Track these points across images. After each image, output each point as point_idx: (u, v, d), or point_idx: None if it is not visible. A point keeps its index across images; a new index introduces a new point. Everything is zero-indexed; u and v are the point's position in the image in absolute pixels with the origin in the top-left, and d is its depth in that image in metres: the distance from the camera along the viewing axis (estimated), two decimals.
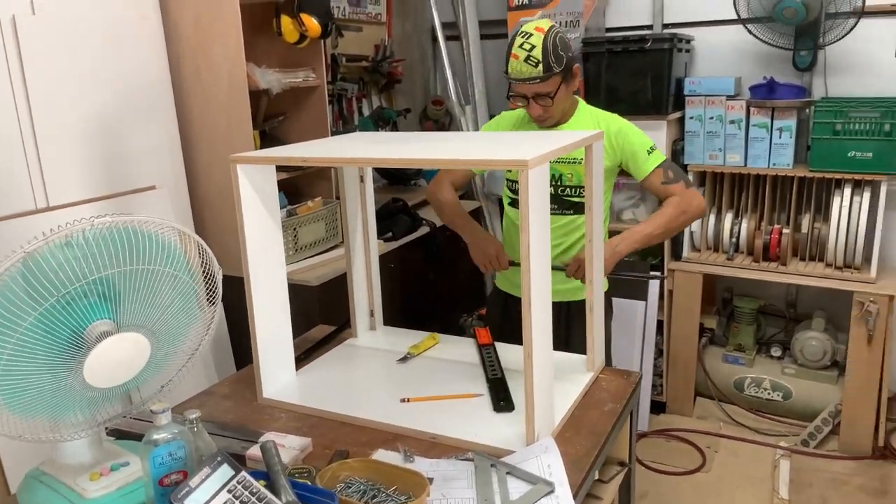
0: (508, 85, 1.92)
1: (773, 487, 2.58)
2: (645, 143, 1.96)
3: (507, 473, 1.27)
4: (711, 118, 2.88)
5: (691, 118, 2.92)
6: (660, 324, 3.08)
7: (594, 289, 1.62)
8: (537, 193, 1.23)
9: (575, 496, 1.23)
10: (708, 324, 3.19)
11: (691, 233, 3.05)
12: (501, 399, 1.51)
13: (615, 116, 2.02)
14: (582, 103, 2.05)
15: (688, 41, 3.02)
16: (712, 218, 3.03)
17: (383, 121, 3.19)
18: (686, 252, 3.06)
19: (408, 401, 1.54)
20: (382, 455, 1.34)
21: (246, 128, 2.23)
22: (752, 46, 2.92)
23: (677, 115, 2.95)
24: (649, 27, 3.18)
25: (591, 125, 1.98)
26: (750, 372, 3.05)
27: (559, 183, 1.99)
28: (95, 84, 2.02)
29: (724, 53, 3.07)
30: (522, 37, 1.84)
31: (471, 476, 1.27)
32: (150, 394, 1.26)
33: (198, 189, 2.36)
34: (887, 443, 2.78)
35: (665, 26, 3.15)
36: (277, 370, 1.63)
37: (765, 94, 2.78)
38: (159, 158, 2.21)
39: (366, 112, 3.42)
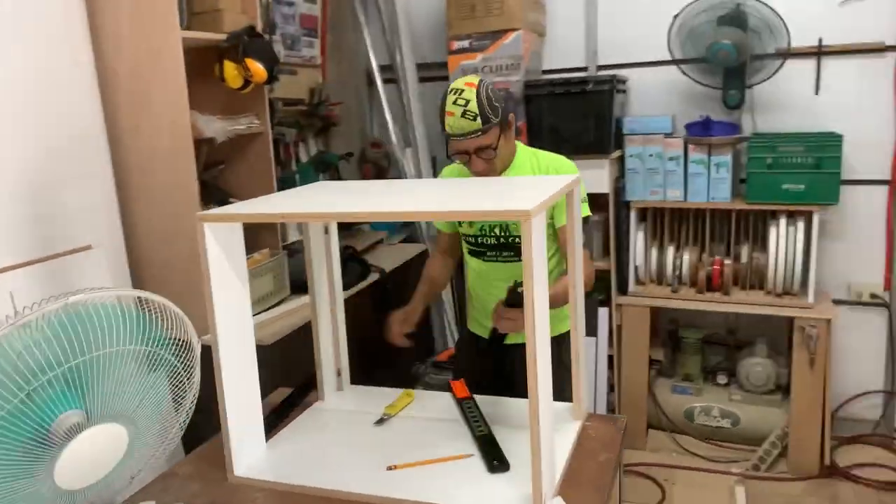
0: (446, 144, 1.86)
1: None
2: (581, 192, 1.88)
3: None
4: (651, 155, 2.96)
5: (631, 156, 3.00)
6: (610, 359, 3.10)
7: (578, 335, 1.59)
8: (538, 241, 1.19)
9: None
10: (654, 356, 3.24)
11: (636, 267, 3.10)
12: (494, 458, 1.44)
13: (558, 158, 1.97)
14: (520, 146, 2.00)
15: (623, 82, 3.12)
16: (655, 252, 3.10)
17: (325, 165, 3.10)
18: (632, 286, 3.10)
19: (394, 468, 1.45)
20: None
21: (190, 180, 2.10)
22: (683, 86, 3.05)
23: (618, 153, 3.02)
24: (584, 69, 3.26)
25: (530, 170, 1.94)
26: (699, 401, 3.11)
27: (508, 233, 1.95)
28: (23, 138, 1.85)
29: (657, 93, 3.17)
30: (454, 94, 1.79)
31: None
32: (120, 486, 1.12)
33: (136, 247, 2.19)
34: (832, 461, 2.88)
35: (599, 68, 3.24)
36: (247, 444, 1.51)
37: (701, 131, 2.89)
38: (94, 215, 2.04)
39: (303, 156, 3.32)
